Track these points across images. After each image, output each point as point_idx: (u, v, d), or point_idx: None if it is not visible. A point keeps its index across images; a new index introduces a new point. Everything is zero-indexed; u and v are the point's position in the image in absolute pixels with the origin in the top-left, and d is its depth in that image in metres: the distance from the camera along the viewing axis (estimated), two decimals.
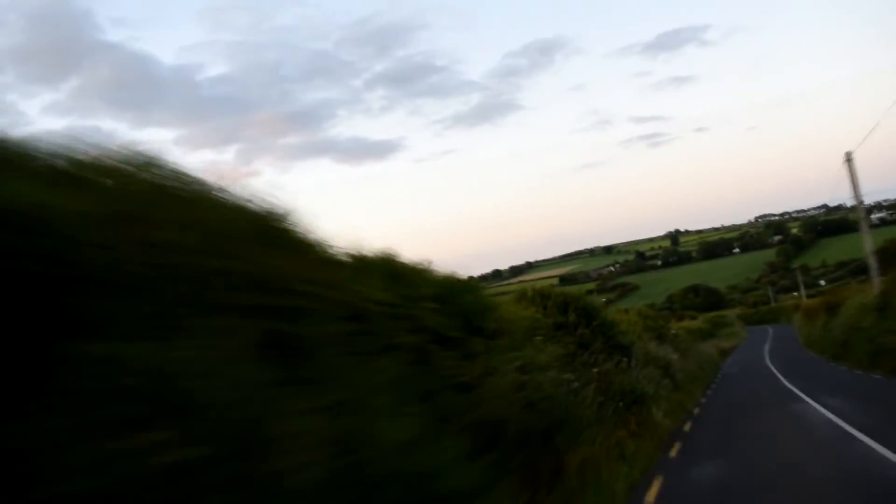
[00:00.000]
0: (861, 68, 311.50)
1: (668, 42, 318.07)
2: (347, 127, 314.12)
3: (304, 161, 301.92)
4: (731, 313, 77.84)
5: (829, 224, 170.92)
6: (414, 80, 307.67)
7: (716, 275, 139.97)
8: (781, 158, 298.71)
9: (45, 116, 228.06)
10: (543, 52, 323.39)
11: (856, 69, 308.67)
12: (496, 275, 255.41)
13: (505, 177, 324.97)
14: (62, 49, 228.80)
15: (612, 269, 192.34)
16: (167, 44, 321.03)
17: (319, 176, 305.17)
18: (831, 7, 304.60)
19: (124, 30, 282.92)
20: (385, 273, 5.81)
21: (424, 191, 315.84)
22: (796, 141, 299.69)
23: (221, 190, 4.16)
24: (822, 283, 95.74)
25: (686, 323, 47.81)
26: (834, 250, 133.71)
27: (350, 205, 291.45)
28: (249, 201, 4.34)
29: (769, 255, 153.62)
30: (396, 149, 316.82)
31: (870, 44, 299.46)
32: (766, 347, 45.84)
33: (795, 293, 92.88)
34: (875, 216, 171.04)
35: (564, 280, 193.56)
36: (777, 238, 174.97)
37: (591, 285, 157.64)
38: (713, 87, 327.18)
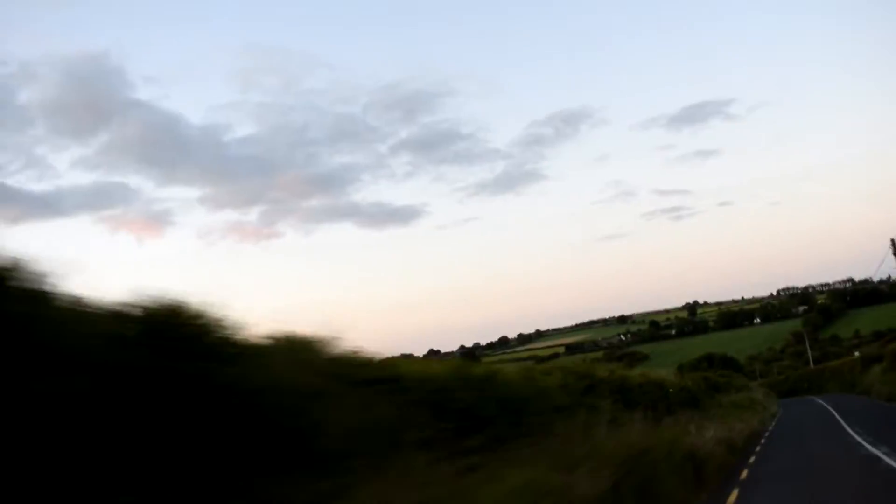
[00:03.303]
0: (883, 143, 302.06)
1: (692, 115, 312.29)
2: (371, 192, 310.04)
3: (327, 224, 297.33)
4: (753, 384, 63.09)
5: (859, 294, 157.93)
6: (439, 146, 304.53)
7: (734, 345, 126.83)
8: (805, 233, 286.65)
9: (73, 170, 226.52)
10: (568, 122, 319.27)
11: (879, 144, 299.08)
12: (503, 342, 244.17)
13: (525, 246, 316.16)
14: (93, 105, 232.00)
15: (623, 338, 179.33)
16: (196, 103, 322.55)
17: (342, 239, 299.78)
18: (855, 83, 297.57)
19: (155, 88, 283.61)
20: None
21: (444, 257, 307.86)
22: (820, 215, 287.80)
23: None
24: (857, 353, 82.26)
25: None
26: (866, 320, 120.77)
27: (370, 271, 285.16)
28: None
29: (794, 325, 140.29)
30: (419, 215, 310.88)
31: (890, 119, 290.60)
32: None
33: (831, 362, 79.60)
34: None
35: (571, 349, 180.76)
36: (802, 308, 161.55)
37: (598, 354, 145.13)
38: (737, 162, 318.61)
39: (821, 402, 40.54)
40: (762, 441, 20.98)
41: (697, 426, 15.31)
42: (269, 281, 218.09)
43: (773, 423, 28.41)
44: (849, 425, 21.47)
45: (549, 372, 12.11)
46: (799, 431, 23.13)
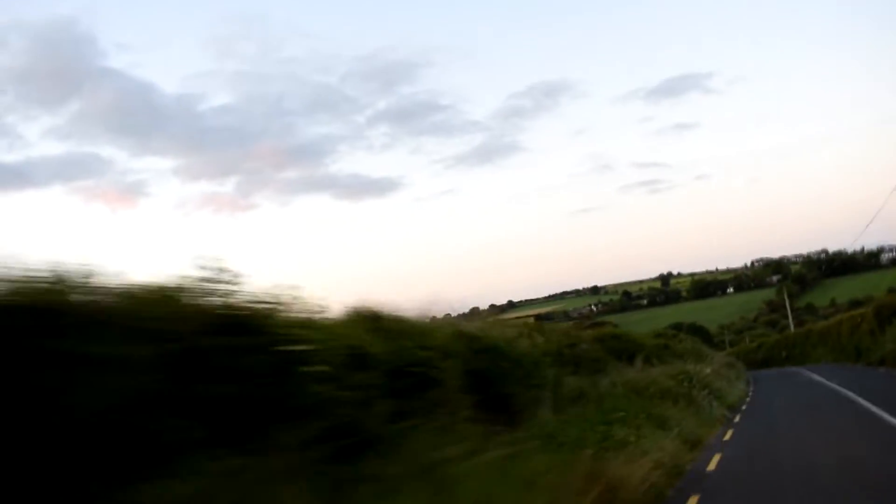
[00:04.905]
0: (860, 120, 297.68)
1: (672, 88, 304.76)
2: (348, 163, 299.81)
3: (303, 196, 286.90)
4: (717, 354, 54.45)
5: (834, 263, 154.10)
6: (417, 117, 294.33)
7: (706, 314, 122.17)
8: (780, 205, 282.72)
9: (44, 140, 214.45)
10: (548, 94, 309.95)
11: (857, 121, 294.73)
12: (473, 313, 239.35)
13: (502, 218, 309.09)
14: (64, 73, 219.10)
15: (594, 308, 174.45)
16: (171, 72, 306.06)
17: (319, 211, 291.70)
18: (832, 61, 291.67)
19: (128, 56, 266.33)
20: None
21: (422, 229, 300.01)
22: (795, 189, 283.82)
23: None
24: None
25: None
26: (842, 289, 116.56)
27: (348, 242, 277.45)
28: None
29: (767, 294, 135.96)
30: (397, 187, 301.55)
31: (869, 97, 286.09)
32: None
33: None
34: (886, 256, 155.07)
35: (541, 318, 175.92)
36: (776, 277, 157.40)
37: (568, 324, 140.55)
38: (715, 135, 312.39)
39: (820, 378, 26.14)
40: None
41: None
42: (245, 251, 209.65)
43: (722, 456, 11.84)
44: None
45: None
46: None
